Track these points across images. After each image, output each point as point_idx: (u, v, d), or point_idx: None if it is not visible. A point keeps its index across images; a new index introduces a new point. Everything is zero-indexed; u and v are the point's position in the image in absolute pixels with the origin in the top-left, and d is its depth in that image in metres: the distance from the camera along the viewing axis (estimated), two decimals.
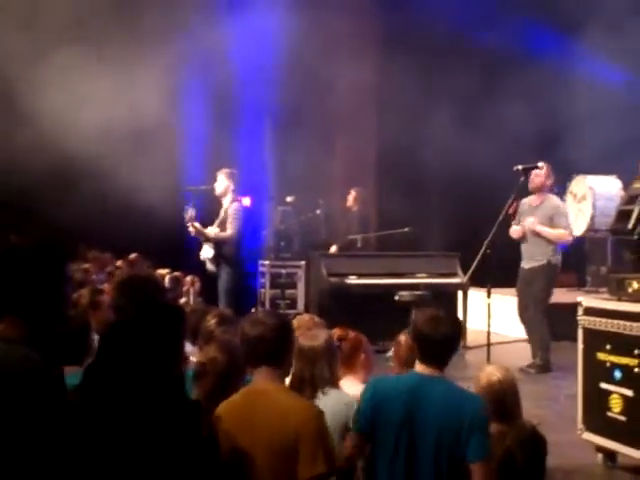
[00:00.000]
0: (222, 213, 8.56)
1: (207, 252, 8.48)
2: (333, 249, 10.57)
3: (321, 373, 3.77)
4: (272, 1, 10.34)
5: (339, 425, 3.64)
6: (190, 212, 8.29)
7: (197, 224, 8.36)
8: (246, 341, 3.22)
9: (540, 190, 8.02)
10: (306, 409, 3.12)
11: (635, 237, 4.54)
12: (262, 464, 2.94)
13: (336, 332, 4.24)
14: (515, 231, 8.01)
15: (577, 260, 10.57)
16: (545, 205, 8.03)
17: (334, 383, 3.84)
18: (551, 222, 7.95)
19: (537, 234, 7.91)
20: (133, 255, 9.94)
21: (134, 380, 2.44)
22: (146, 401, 2.44)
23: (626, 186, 9.93)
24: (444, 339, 3.33)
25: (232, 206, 8.49)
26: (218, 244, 8.43)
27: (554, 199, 8.20)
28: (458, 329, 3.46)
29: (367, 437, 3.35)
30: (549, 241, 7.92)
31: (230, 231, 8.41)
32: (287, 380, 3.62)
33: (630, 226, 4.57)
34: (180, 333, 3.01)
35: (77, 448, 2.34)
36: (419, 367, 3.37)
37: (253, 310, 10.28)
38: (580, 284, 11.09)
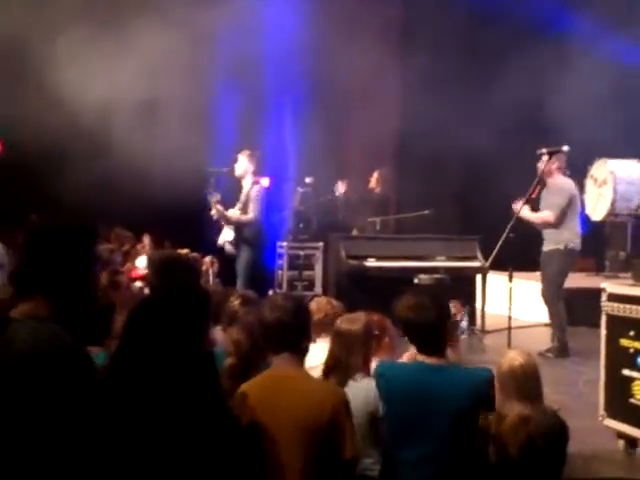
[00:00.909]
0: (243, 196, 8.57)
1: (228, 235, 8.54)
2: (354, 232, 10.53)
3: (356, 359, 3.75)
4: None
5: (369, 412, 3.62)
6: (216, 196, 8.34)
7: (221, 208, 8.38)
8: (265, 325, 3.24)
9: (549, 175, 7.94)
10: (338, 395, 3.14)
11: None
12: (285, 445, 2.96)
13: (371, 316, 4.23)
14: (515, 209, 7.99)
15: (596, 245, 10.50)
16: (552, 186, 7.96)
17: (366, 370, 3.82)
18: (552, 202, 7.92)
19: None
20: (147, 237, 9.97)
21: (159, 359, 2.45)
22: (172, 380, 2.45)
23: None
24: (431, 325, 3.34)
25: (253, 189, 8.52)
26: (239, 227, 8.46)
27: (558, 179, 8.06)
28: (444, 313, 3.44)
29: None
30: (562, 226, 7.86)
31: (252, 214, 8.44)
32: (317, 359, 3.62)
33: None
34: (206, 315, 3.02)
35: (106, 426, 2.36)
36: (419, 357, 3.37)
37: (270, 292, 10.34)
38: (599, 269, 11.03)
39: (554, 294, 7.91)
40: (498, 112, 10.36)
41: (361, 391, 3.57)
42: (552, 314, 7.98)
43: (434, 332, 3.34)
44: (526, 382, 3.75)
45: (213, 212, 8.41)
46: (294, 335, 3.18)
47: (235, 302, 4.52)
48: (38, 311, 2.34)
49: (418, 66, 10.91)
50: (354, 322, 3.87)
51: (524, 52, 10.66)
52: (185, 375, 2.45)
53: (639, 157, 10.41)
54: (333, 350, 3.79)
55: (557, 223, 7.82)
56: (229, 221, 8.47)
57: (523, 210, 7.83)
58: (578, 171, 8.67)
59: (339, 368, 3.71)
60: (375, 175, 10.77)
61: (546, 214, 7.88)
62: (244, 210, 8.51)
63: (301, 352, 3.25)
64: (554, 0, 10.96)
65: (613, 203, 10.37)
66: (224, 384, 3.24)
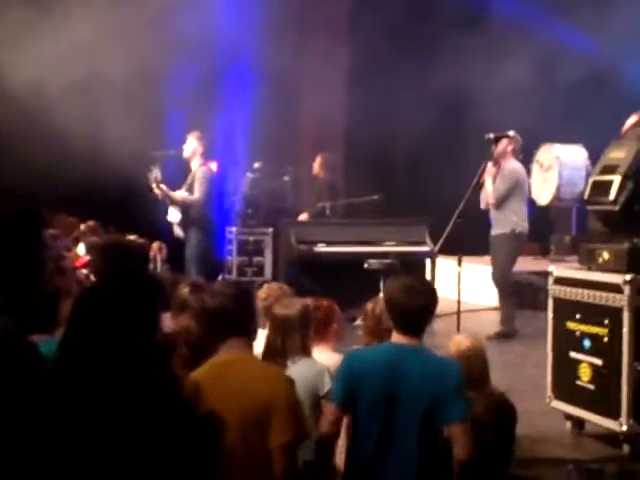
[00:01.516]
0: (189, 177, 8.47)
1: (174, 216, 8.39)
2: (303, 217, 10.49)
3: (293, 342, 3.78)
4: None
5: (310, 393, 3.68)
6: (155, 173, 8.13)
7: (163, 186, 8.23)
8: (208, 313, 3.20)
9: (503, 157, 8.05)
10: (276, 377, 3.14)
11: (616, 208, 4.55)
12: (234, 431, 2.94)
13: (309, 301, 4.22)
14: (482, 199, 8.05)
15: (541, 229, 10.64)
16: (505, 169, 8.07)
17: (306, 352, 3.85)
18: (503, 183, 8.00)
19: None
20: (91, 222, 9.78)
21: (108, 348, 2.40)
22: (120, 368, 2.40)
23: (592, 155, 10.08)
24: (420, 308, 3.31)
25: (200, 169, 8.42)
26: (185, 208, 8.34)
27: (512, 164, 8.16)
28: (434, 299, 3.40)
29: (345, 408, 3.33)
30: (511, 210, 7.96)
31: (197, 194, 8.33)
32: (256, 346, 3.61)
33: (612, 197, 4.58)
34: (155, 301, 2.97)
35: (54, 418, 2.30)
36: (396, 337, 3.35)
37: (220, 278, 10.27)
38: (544, 252, 11.20)
39: (504, 278, 8.00)
40: (443, 98, 10.41)
41: (300, 373, 3.59)
42: (502, 297, 8.08)
43: (418, 315, 3.31)
44: (474, 365, 3.78)
45: (156, 191, 8.20)
46: (237, 320, 3.15)
47: (184, 289, 4.46)
48: None
49: (364, 53, 10.90)
50: (289, 307, 3.89)
51: (465, 38, 10.69)
52: (136, 363, 2.40)
53: (583, 142, 10.59)
54: (269, 336, 3.80)
55: (496, 205, 7.94)
56: (174, 201, 8.34)
57: (488, 182, 7.89)
58: (524, 156, 8.75)
59: (276, 352, 3.73)
60: (318, 160, 10.70)
61: (492, 195, 7.99)
62: (190, 191, 8.39)
63: (247, 336, 3.22)
64: None
65: (558, 188, 10.55)
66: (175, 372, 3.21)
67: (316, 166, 10.74)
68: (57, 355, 2.43)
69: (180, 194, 8.40)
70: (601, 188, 4.70)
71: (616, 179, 4.63)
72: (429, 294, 3.35)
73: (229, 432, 2.93)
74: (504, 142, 7.92)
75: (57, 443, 2.28)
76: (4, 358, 2.16)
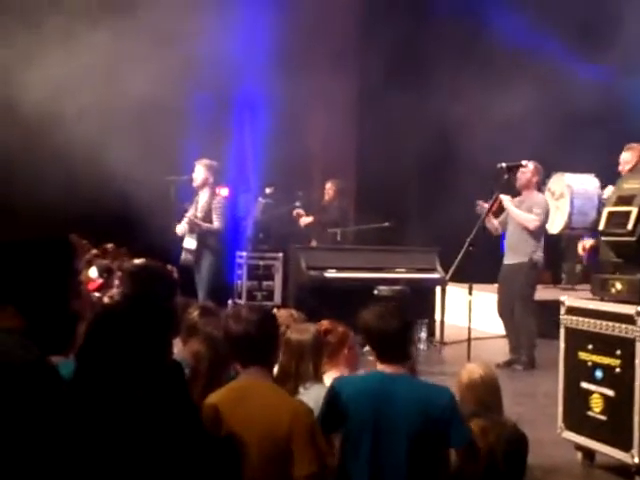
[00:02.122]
0: (203, 205, 8.52)
1: (190, 243, 8.48)
2: (313, 243, 10.53)
3: (306, 368, 3.77)
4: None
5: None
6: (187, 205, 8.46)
7: (192, 218, 8.42)
8: (231, 338, 3.19)
9: (527, 187, 8.06)
10: (297, 406, 3.11)
11: (634, 238, 4.55)
12: (252, 458, 2.92)
13: (324, 325, 4.23)
14: (491, 224, 8.02)
15: (552, 257, 10.63)
16: (528, 200, 8.07)
17: (318, 378, 3.84)
18: (529, 212, 8.00)
19: (518, 226, 7.94)
20: (109, 245, 9.82)
21: (120, 371, 2.40)
22: (139, 392, 2.40)
23: (604, 185, 10.09)
24: (395, 335, 3.32)
25: (216, 199, 8.52)
26: (202, 236, 8.41)
27: (539, 196, 8.25)
28: (408, 323, 3.44)
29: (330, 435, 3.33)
30: (532, 238, 7.94)
31: (217, 224, 8.45)
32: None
33: (630, 227, 4.57)
34: (168, 328, 2.97)
35: (73, 440, 2.30)
36: (380, 366, 3.36)
37: (230, 302, 10.27)
38: (555, 281, 11.18)
39: (528, 308, 7.97)
40: (453, 126, 10.44)
41: (311, 399, 3.56)
42: (520, 330, 8.01)
43: (396, 340, 3.33)
44: (486, 394, 3.76)
45: (185, 221, 8.41)
46: (261, 348, 3.14)
47: (194, 313, 4.46)
48: (7, 323, 2.30)
49: (374, 79, 10.96)
50: (303, 332, 3.88)
51: (476, 67, 10.75)
52: (152, 386, 2.40)
53: (592, 172, 10.61)
54: (283, 360, 3.78)
55: (534, 233, 7.92)
56: (198, 229, 8.42)
57: (506, 200, 7.85)
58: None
59: (289, 377, 3.71)
60: (328, 185, 10.76)
61: (531, 218, 7.93)
62: (206, 220, 8.47)
63: (269, 364, 3.22)
64: (517, 19, 11.03)
65: (570, 216, 10.54)
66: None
67: (327, 192, 10.77)
68: (72, 378, 2.44)
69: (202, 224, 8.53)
70: (617, 219, 4.70)
71: (634, 210, 4.63)
72: (402, 319, 3.37)
73: (248, 458, 2.91)
74: (528, 172, 7.92)
75: (77, 467, 2.28)
76: (27, 380, 2.17)
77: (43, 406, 2.17)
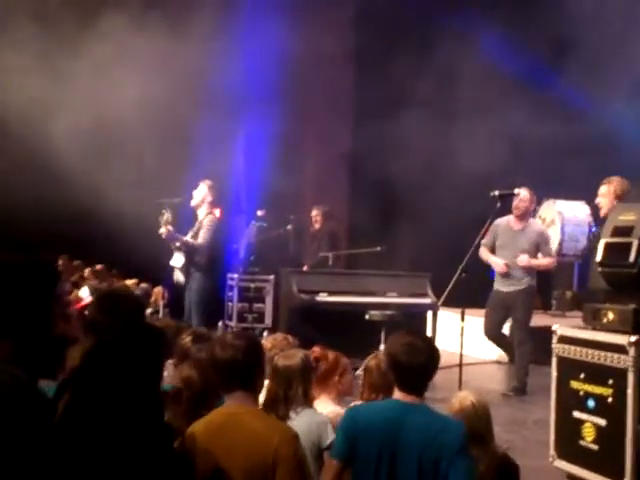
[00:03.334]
0: (197, 224, 8.54)
1: (177, 261, 8.46)
2: (305, 268, 10.55)
3: (295, 393, 3.77)
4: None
5: (312, 445, 3.66)
6: (167, 215, 8.29)
7: (171, 228, 8.33)
8: (217, 365, 3.20)
9: (526, 216, 8.10)
10: (282, 431, 3.10)
11: (635, 270, 4.57)
12: None
13: (315, 351, 4.22)
14: (499, 265, 8.03)
15: (543, 283, 10.64)
16: (529, 230, 8.09)
17: (308, 403, 3.84)
18: (537, 248, 8.03)
19: (516, 254, 7.97)
20: (99, 266, 9.83)
21: (116, 403, 2.39)
22: (128, 424, 2.39)
23: (595, 212, 10.13)
24: (421, 367, 3.31)
25: (207, 217, 8.52)
26: (189, 253, 8.40)
27: (537, 224, 8.34)
28: (436, 357, 3.41)
29: (346, 464, 3.31)
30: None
31: (201, 240, 8.44)
32: (261, 397, 3.60)
33: (632, 259, 4.60)
34: (161, 355, 2.96)
35: (58, 468, 2.29)
36: (398, 394, 3.35)
37: (220, 323, 10.25)
38: (546, 307, 11.20)
39: (527, 335, 8.00)
40: (446, 154, 10.48)
41: (303, 423, 3.58)
42: (518, 354, 8.02)
43: (420, 374, 3.32)
44: (477, 422, 3.75)
45: (162, 231, 8.32)
46: (246, 374, 3.15)
47: (187, 339, 4.45)
48: None
49: (367, 104, 11.02)
50: (291, 358, 3.88)
51: (465, 92, 10.81)
52: (136, 419, 2.38)
53: (584, 199, 10.66)
54: (271, 386, 3.78)
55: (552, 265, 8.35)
56: (178, 242, 8.39)
57: (523, 258, 7.93)
58: None
59: (278, 403, 3.72)
60: (314, 213, 10.81)
61: (550, 260, 8.22)
62: (195, 237, 8.47)
63: (254, 390, 3.22)
64: (504, 45, 11.11)
65: (561, 243, 10.60)
66: (175, 422, 3.19)
67: (314, 219, 10.84)
68: (62, 410, 2.42)
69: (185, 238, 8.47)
70: (616, 250, 4.71)
71: (634, 242, 4.65)
72: (430, 353, 3.36)
73: None
74: (527, 201, 7.97)
75: None
76: (17, 406, 2.15)
77: (31, 432, 2.15)
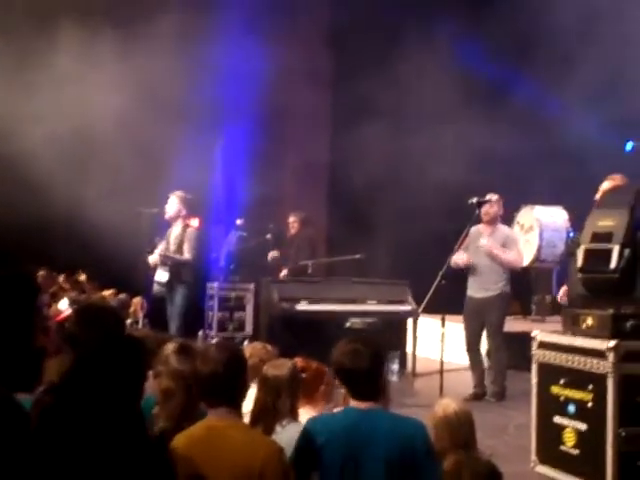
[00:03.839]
0: (175, 238, 8.50)
1: (162, 276, 8.45)
2: (283, 274, 10.54)
3: (283, 404, 3.73)
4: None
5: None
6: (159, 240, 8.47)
7: (163, 248, 8.43)
8: (199, 378, 3.18)
9: (495, 221, 8.14)
10: (268, 446, 3.08)
11: (616, 276, 4.60)
12: None
13: (298, 363, 4.20)
14: (460, 258, 8.02)
15: (522, 289, 10.71)
16: (497, 234, 8.15)
17: (294, 415, 3.81)
18: (503, 249, 8.06)
19: (491, 258, 7.98)
20: (82, 276, 9.76)
21: (97, 417, 2.37)
22: (109, 438, 2.37)
23: (573, 218, 10.20)
24: (366, 373, 3.31)
25: (188, 231, 8.52)
26: (174, 268, 8.38)
27: (505, 228, 8.35)
28: (379, 361, 3.41)
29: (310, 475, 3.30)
30: (502, 271, 8.01)
31: (189, 256, 8.46)
32: (248, 406, 3.57)
33: (613, 266, 4.62)
34: (142, 367, 2.95)
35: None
36: (352, 402, 3.35)
37: (200, 333, 10.21)
38: (525, 312, 11.25)
39: (501, 340, 8.03)
40: (430, 157, 10.51)
41: (288, 438, 3.53)
42: (494, 359, 8.05)
43: (367, 378, 3.32)
44: (460, 429, 3.76)
45: (154, 258, 8.43)
46: (228, 387, 3.13)
47: (168, 350, 4.42)
48: None
49: (347, 112, 11.04)
50: (280, 367, 3.84)
51: (448, 103, 10.85)
52: (117, 433, 2.37)
53: (562, 204, 10.73)
54: (260, 397, 3.75)
55: (507, 267, 8.04)
56: (170, 261, 8.39)
57: (491, 248, 7.92)
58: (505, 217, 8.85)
59: (267, 414, 3.67)
60: (292, 220, 10.82)
61: (519, 259, 8.18)
62: (178, 252, 8.45)
63: (237, 403, 3.20)
64: (485, 54, 11.17)
65: (539, 249, 10.65)
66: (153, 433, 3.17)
67: (291, 225, 10.84)
68: (40, 421, 2.39)
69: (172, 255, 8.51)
70: (597, 257, 4.74)
71: (615, 247, 4.68)
72: (373, 357, 3.35)
73: None
74: (495, 206, 8.02)
75: None
76: None
77: (9, 445, 2.13)
